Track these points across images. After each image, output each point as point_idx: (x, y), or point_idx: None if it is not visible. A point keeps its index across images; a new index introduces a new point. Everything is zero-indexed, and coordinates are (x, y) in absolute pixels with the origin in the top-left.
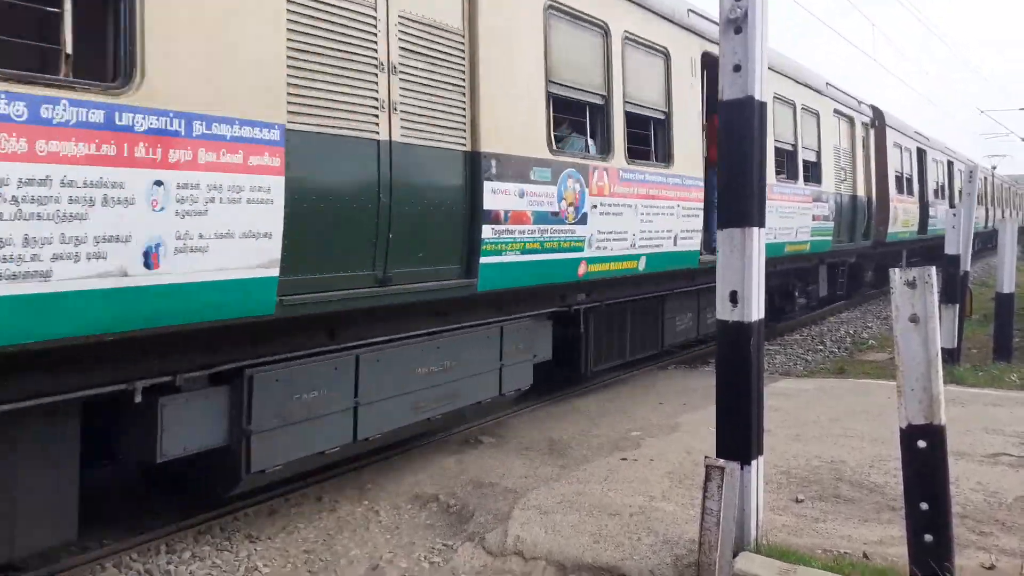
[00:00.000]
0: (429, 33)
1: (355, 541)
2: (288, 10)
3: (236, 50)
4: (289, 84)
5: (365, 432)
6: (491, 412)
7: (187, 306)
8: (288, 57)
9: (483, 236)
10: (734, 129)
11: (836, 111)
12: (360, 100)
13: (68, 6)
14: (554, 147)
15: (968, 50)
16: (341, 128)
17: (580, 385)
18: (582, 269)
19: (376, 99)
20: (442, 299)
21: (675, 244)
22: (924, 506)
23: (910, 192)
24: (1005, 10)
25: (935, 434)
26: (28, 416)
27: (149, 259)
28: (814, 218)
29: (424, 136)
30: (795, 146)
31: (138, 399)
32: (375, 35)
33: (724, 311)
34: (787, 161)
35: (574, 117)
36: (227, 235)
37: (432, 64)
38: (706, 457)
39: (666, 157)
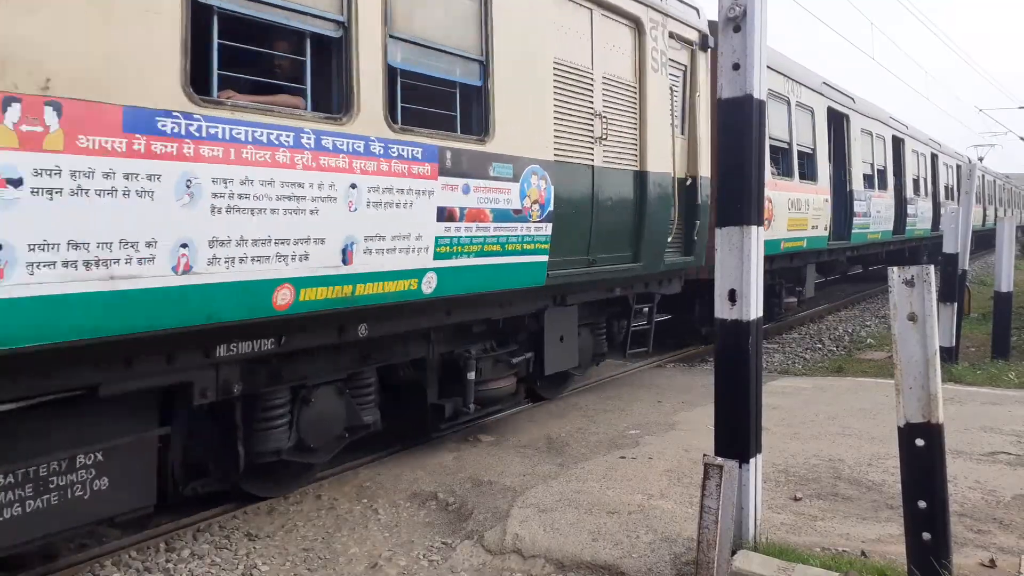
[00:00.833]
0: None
1: (354, 539)
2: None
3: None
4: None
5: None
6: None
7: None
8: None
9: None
10: (732, 128)
11: None
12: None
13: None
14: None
15: (967, 48)
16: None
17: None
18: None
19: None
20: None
21: None
22: (922, 504)
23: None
24: (1005, 10)
25: (933, 432)
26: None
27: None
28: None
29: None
30: None
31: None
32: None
33: (723, 310)
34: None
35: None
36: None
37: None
38: (704, 455)
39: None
